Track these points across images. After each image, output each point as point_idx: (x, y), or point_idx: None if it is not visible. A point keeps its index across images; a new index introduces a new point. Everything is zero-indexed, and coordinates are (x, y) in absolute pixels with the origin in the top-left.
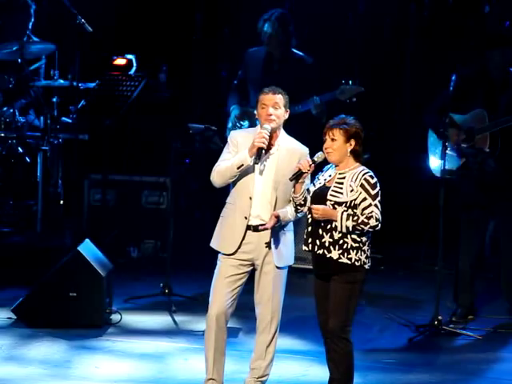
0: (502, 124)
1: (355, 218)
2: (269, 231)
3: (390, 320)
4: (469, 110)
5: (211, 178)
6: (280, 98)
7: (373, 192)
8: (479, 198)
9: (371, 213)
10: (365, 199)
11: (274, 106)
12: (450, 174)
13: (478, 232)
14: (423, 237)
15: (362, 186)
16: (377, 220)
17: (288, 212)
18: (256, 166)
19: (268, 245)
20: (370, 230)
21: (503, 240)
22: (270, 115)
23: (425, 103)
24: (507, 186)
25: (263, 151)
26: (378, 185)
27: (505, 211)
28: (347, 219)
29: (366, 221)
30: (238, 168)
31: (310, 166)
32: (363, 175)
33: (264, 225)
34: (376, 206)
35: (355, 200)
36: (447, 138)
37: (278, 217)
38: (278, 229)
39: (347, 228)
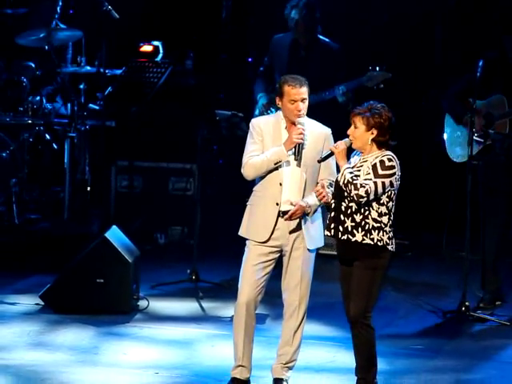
0: None
1: (355, 177)
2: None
3: (417, 306)
4: (487, 95)
5: (243, 172)
6: (306, 91)
7: (380, 172)
8: (504, 183)
9: (367, 185)
10: (368, 174)
11: (303, 100)
12: (477, 160)
13: (503, 217)
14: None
15: (373, 165)
16: (366, 193)
17: (315, 199)
18: None
19: (295, 229)
20: (355, 197)
21: None
22: (300, 111)
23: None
24: None
25: (301, 146)
26: (392, 169)
27: None
28: (349, 173)
29: (358, 186)
30: (276, 164)
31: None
32: (382, 157)
33: (290, 211)
34: (375, 183)
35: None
36: (473, 123)
37: (303, 206)
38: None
39: (344, 178)
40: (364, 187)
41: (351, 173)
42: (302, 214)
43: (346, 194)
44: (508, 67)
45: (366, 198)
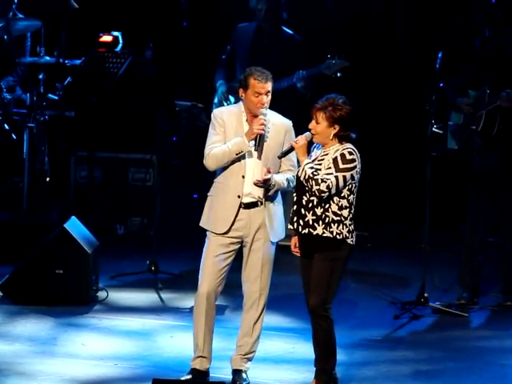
0: (493, 103)
1: (316, 172)
2: (260, 208)
3: (376, 297)
4: (481, 86)
5: (205, 162)
6: (271, 85)
7: (341, 166)
8: (483, 176)
9: (328, 179)
10: (329, 168)
11: (267, 93)
12: (436, 152)
13: (485, 210)
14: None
15: (334, 159)
16: (328, 188)
17: (283, 178)
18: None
19: (256, 221)
20: (316, 192)
21: (504, 222)
22: (264, 104)
23: (410, 79)
24: (506, 169)
25: (262, 137)
26: (353, 162)
27: (506, 196)
28: (309, 168)
29: (319, 181)
30: (237, 154)
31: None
32: (342, 150)
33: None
34: (336, 177)
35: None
36: (433, 114)
37: (269, 179)
38: (269, 202)
39: (304, 174)
40: (325, 182)
41: (312, 168)
42: (265, 187)
43: (307, 188)
44: (505, 60)
45: (327, 193)
